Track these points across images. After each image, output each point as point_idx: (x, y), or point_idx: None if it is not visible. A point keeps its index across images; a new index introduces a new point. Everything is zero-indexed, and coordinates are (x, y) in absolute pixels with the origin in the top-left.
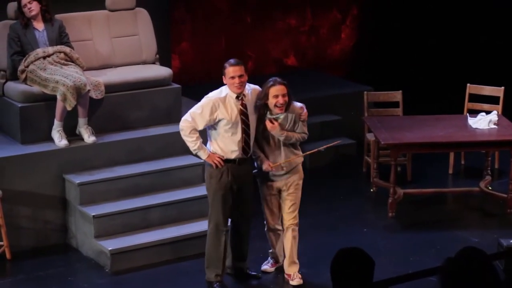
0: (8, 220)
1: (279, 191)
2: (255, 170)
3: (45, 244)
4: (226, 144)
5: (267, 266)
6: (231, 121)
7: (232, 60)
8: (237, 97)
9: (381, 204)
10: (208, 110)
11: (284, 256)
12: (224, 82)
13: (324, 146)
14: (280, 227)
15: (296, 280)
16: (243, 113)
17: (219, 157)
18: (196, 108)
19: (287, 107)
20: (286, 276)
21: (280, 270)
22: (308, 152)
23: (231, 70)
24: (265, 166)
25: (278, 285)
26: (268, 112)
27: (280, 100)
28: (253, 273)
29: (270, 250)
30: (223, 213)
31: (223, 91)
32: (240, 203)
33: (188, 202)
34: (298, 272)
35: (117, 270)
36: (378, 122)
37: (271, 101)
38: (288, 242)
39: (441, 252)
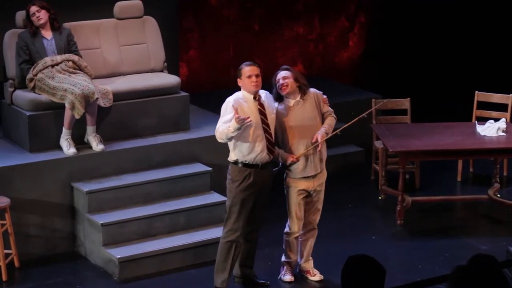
0: (16, 228)
1: (308, 192)
2: (276, 168)
3: (54, 252)
4: (249, 147)
5: (289, 276)
6: (253, 121)
7: (247, 62)
8: (254, 98)
9: (389, 211)
10: (230, 108)
11: (301, 257)
12: (239, 84)
13: (352, 121)
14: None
15: (317, 276)
16: (262, 113)
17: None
18: (221, 116)
19: (302, 92)
20: (305, 273)
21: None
22: (334, 132)
23: (248, 69)
24: (289, 161)
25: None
26: (285, 101)
27: (281, 81)
28: (261, 281)
29: (287, 260)
30: (240, 219)
31: (239, 94)
32: (255, 209)
33: (196, 210)
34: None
35: (126, 278)
36: (386, 130)
37: (278, 86)
38: (308, 243)
39: (450, 259)
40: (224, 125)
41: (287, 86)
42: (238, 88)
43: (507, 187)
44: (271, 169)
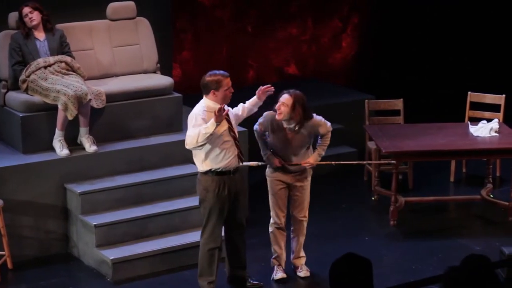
0: (9, 230)
1: (289, 186)
2: (261, 162)
3: (47, 253)
4: (221, 155)
5: (280, 274)
6: (221, 131)
7: (222, 72)
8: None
9: (382, 212)
10: (201, 119)
11: (292, 252)
12: (213, 95)
13: (348, 162)
14: (284, 226)
15: (303, 272)
16: (228, 121)
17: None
18: (190, 127)
19: (301, 121)
20: (294, 267)
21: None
22: (328, 162)
23: (228, 81)
24: (275, 165)
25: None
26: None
27: (279, 106)
28: (254, 282)
29: (274, 256)
30: (219, 225)
31: (203, 106)
32: (236, 211)
33: (189, 211)
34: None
35: (119, 279)
36: (379, 131)
37: (275, 107)
38: (296, 239)
39: (443, 260)
40: (195, 129)
41: (280, 113)
42: (234, 90)
43: (500, 187)
44: (242, 173)
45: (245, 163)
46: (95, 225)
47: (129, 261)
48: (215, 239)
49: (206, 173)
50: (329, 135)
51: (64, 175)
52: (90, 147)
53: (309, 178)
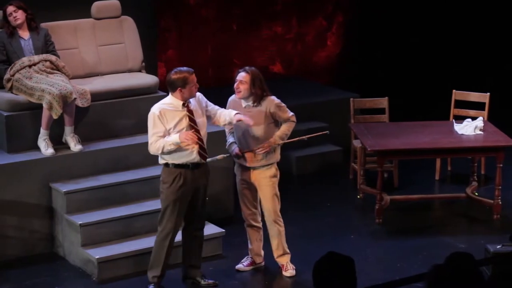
0: None
1: (252, 185)
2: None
3: (32, 253)
4: (180, 154)
5: (241, 265)
6: (180, 128)
7: (187, 69)
8: (183, 104)
9: (368, 210)
10: (158, 120)
11: (273, 251)
12: (180, 92)
13: (308, 136)
14: (257, 224)
15: (289, 271)
16: (191, 119)
17: (192, 133)
18: (150, 129)
19: (260, 97)
20: (280, 267)
21: (257, 270)
22: (288, 140)
23: (194, 77)
24: (234, 153)
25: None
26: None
27: (237, 85)
28: (209, 281)
29: (249, 247)
30: (172, 218)
31: (167, 101)
32: (195, 207)
33: None
34: (290, 261)
35: (104, 278)
36: (365, 129)
37: (234, 86)
38: (272, 238)
39: (428, 258)
40: (160, 140)
41: (240, 92)
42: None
43: (485, 185)
44: (205, 167)
45: (210, 159)
46: (80, 224)
47: (115, 260)
48: (167, 233)
49: (165, 165)
50: (291, 125)
51: (49, 174)
52: (75, 146)
53: (272, 179)
